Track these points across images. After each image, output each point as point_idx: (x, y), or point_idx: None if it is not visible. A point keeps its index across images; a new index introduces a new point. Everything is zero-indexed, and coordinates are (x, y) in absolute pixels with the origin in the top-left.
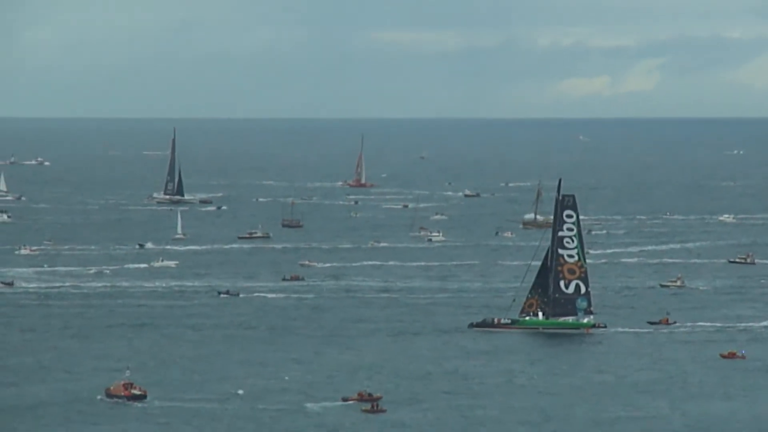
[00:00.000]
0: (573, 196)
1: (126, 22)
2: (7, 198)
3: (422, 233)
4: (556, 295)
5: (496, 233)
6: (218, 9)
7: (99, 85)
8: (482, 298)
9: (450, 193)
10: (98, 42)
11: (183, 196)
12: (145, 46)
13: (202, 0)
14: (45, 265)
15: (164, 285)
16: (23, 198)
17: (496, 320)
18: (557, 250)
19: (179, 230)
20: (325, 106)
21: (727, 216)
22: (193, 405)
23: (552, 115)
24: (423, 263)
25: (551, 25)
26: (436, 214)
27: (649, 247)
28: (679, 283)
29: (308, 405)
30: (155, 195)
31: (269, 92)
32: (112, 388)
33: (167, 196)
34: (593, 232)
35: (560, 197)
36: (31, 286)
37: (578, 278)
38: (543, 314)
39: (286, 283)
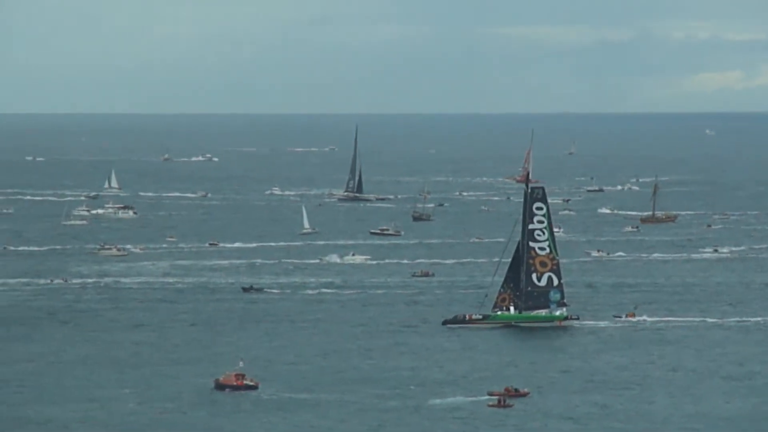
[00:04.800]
0: (542, 189)
1: (256, 17)
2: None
3: None
4: (529, 289)
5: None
6: (348, 4)
7: (231, 80)
8: None
9: (593, 188)
10: (229, 37)
11: (362, 193)
12: (275, 41)
13: None
14: (175, 260)
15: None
16: (209, 195)
17: (467, 316)
18: (528, 243)
19: (306, 224)
20: (455, 101)
21: None
22: (308, 396)
23: (684, 109)
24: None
25: (685, 19)
26: (564, 209)
27: None
28: None
29: (436, 400)
30: (332, 191)
31: (398, 87)
32: (222, 378)
33: (346, 193)
34: (713, 227)
35: (529, 190)
36: (168, 280)
37: (550, 270)
38: (516, 308)
39: (414, 279)
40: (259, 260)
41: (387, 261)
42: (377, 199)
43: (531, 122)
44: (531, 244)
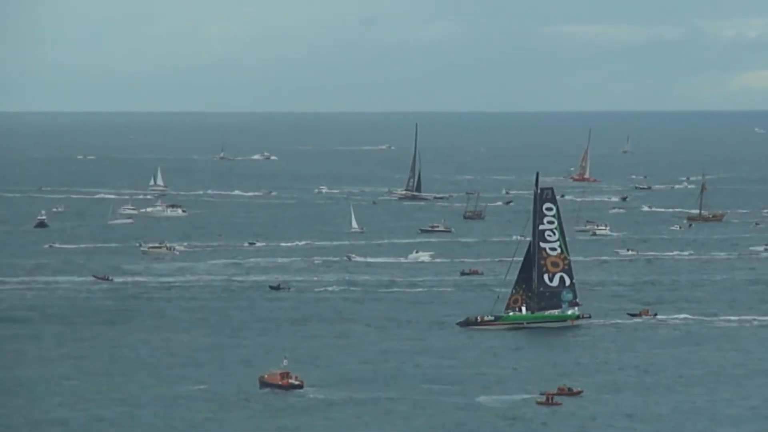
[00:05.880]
0: (551, 189)
1: (307, 16)
2: (203, 192)
3: (588, 227)
4: (541, 289)
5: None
6: (397, 2)
7: (281, 79)
8: None
9: (641, 186)
10: (280, 36)
11: (420, 192)
12: (326, 40)
13: None
14: (221, 259)
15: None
16: (273, 193)
17: (480, 318)
18: (539, 244)
19: (354, 224)
20: (506, 99)
21: None
22: (353, 394)
23: (735, 107)
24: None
25: (736, 17)
26: (613, 207)
27: None
28: None
29: (482, 398)
30: (392, 190)
31: (448, 85)
32: (266, 376)
33: (405, 192)
34: (759, 225)
35: (539, 190)
36: (218, 278)
37: (562, 270)
38: (528, 309)
39: (463, 278)
40: (303, 258)
41: (438, 260)
42: (435, 198)
43: (583, 120)
44: (542, 244)
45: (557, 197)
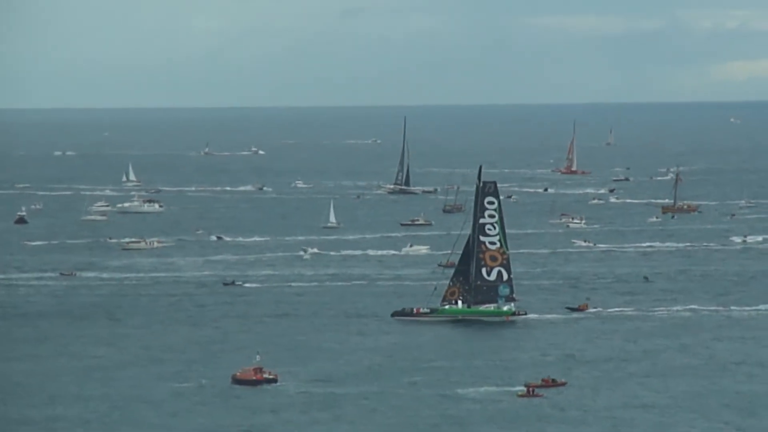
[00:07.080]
0: (494, 183)
1: (287, 10)
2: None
3: (563, 220)
4: (478, 282)
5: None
6: None
7: (262, 73)
8: None
9: (619, 178)
10: (261, 30)
11: (409, 186)
12: (308, 34)
13: None
14: (207, 256)
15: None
16: (265, 188)
17: (415, 309)
18: (479, 237)
19: (332, 219)
20: (486, 92)
21: None
22: (332, 387)
23: (715, 98)
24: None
25: (714, 8)
26: (593, 199)
27: None
28: None
29: (464, 390)
30: (381, 184)
31: (431, 78)
32: (239, 374)
33: (393, 186)
34: (736, 216)
35: (481, 184)
36: (201, 274)
37: (500, 265)
38: (464, 302)
39: (440, 270)
40: (272, 254)
41: (417, 253)
42: (424, 192)
43: (566, 112)
44: (481, 238)
45: (546, 190)
